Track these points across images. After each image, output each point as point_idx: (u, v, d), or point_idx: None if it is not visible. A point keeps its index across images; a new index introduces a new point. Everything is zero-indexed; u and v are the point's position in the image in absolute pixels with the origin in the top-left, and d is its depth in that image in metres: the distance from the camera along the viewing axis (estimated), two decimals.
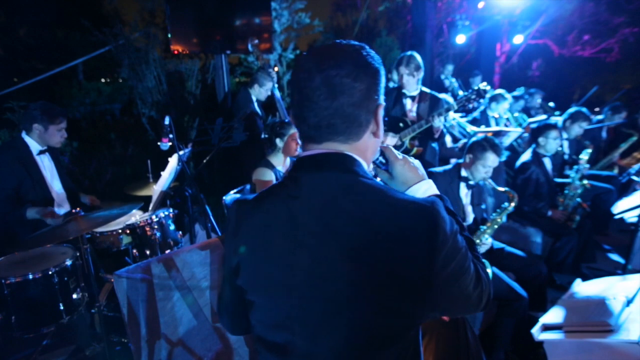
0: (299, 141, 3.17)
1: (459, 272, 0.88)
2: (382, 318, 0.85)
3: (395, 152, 1.14)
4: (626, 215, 3.55)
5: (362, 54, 0.91)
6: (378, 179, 1.12)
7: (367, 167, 0.98)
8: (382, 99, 0.95)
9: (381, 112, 0.96)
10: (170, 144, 2.58)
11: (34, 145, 2.76)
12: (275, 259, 0.92)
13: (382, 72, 0.94)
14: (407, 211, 0.84)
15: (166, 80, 6.14)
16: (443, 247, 0.84)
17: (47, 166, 2.84)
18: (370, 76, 0.90)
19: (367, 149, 0.97)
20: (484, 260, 2.29)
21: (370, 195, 0.87)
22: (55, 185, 2.89)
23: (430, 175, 2.74)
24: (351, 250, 0.84)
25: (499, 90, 4.93)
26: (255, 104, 4.25)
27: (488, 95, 4.87)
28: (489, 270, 2.32)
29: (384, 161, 1.13)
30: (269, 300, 0.96)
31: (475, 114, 4.96)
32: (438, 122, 3.07)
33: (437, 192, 1.10)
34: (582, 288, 2.16)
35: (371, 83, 0.90)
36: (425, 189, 1.09)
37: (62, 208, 2.90)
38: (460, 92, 5.98)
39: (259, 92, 4.23)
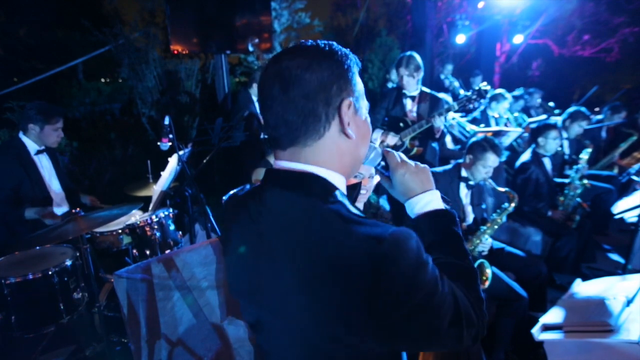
0: None
1: (418, 311, 0.79)
2: (327, 344, 0.84)
3: (399, 156, 1.05)
4: (626, 215, 3.56)
5: (320, 47, 0.88)
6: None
7: (344, 177, 0.93)
8: (351, 95, 0.88)
9: (349, 109, 0.87)
10: (170, 144, 2.58)
11: (32, 145, 2.75)
12: (244, 262, 0.93)
13: (352, 68, 0.89)
14: (355, 248, 0.78)
15: (166, 80, 6.14)
16: (391, 288, 0.76)
17: (45, 166, 2.84)
18: (327, 68, 0.85)
19: (339, 152, 0.90)
20: (483, 260, 2.30)
21: (326, 224, 0.82)
22: (54, 185, 2.89)
23: (431, 175, 2.74)
24: (302, 277, 0.82)
25: (499, 90, 4.94)
26: (256, 104, 4.25)
27: (488, 95, 4.88)
28: (488, 271, 2.32)
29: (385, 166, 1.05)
30: (241, 300, 1.00)
31: (476, 113, 4.97)
32: (439, 122, 3.07)
33: (440, 205, 1.02)
34: (582, 288, 2.16)
35: (330, 75, 0.85)
36: (425, 202, 1.01)
37: (61, 208, 2.90)
38: (462, 92, 5.98)
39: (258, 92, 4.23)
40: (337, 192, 0.89)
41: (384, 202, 3.97)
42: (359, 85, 0.91)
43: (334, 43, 0.91)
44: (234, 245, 0.96)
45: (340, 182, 0.92)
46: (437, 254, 0.96)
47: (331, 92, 0.86)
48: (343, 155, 0.91)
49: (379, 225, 0.82)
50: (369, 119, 0.96)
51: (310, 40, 0.92)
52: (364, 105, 0.94)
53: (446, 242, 1.00)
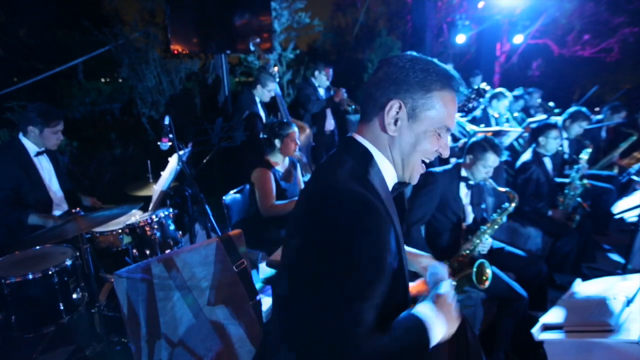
0: (298, 142, 3.18)
1: (312, 278, 0.89)
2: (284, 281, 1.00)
3: (446, 290, 1.15)
4: (626, 215, 3.55)
5: (402, 58, 1.07)
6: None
7: (391, 164, 1.10)
8: (402, 100, 1.04)
9: (392, 110, 1.04)
10: (170, 144, 2.58)
11: (31, 147, 2.75)
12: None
13: (412, 79, 1.03)
14: (329, 190, 0.96)
15: (166, 80, 6.14)
16: (316, 236, 0.91)
17: (45, 167, 2.84)
18: (400, 70, 1.04)
19: (383, 140, 1.08)
20: (483, 260, 2.30)
21: (322, 179, 1.03)
22: (54, 186, 2.89)
23: (430, 175, 2.75)
24: (294, 227, 1.02)
25: (500, 89, 4.96)
26: (259, 105, 4.24)
27: (488, 94, 4.90)
28: (488, 271, 2.31)
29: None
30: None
31: (477, 112, 4.97)
32: None
33: (432, 343, 1.01)
34: (582, 288, 2.16)
35: (392, 74, 1.05)
36: (433, 332, 1.02)
37: (61, 208, 2.90)
38: None
39: (262, 94, 4.20)
40: (372, 161, 1.06)
41: None
42: (431, 105, 1.05)
43: (419, 59, 1.07)
44: None
45: (384, 165, 1.09)
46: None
47: (388, 87, 1.05)
48: (386, 143, 1.09)
49: (364, 199, 0.93)
50: (431, 142, 1.08)
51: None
52: (430, 124, 1.06)
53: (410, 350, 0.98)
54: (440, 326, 1.04)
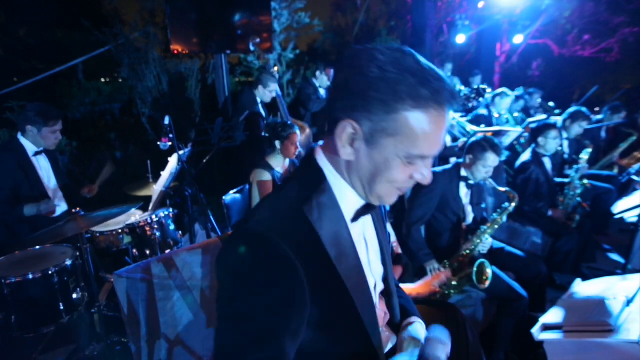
0: (299, 145, 3.17)
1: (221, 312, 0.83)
2: None
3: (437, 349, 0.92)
4: (626, 215, 3.55)
5: (372, 61, 0.83)
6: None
7: (349, 186, 0.94)
8: (357, 121, 0.84)
9: (344, 132, 0.86)
10: (170, 143, 2.58)
11: (30, 147, 2.75)
12: None
13: (373, 95, 0.81)
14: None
15: (166, 80, 6.14)
16: (224, 265, 0.86)
17: (43, 167, 2.84)
18: (354, 80, 0.84)
19: (340, 162, 0.92)
20: (483, 260, 2.30)
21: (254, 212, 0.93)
22: (52, 185, 2.89)
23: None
24: None
25: (503, 89, 5.03)
26: (260, 106, 4.24)
27: (491, 94, 4.96)
28: (488, 271, 2.31)
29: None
30: None
31: (483, 111, 5.01)
32: None
33: None
34: (582, 288, 2.16)
35: (350, 83, 0.84)
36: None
37: (60, 207, 2.90)
38: (462, 88, 6.00)
39: (263, 94, 4.20)
40: (323, 186, 0.92)
41: None
42: (394, 130, 0.83)
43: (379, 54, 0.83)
44: None
45: (342, 190, 0.94)
46: None
47: (342, 101, 0.86)
48: (349, 169, 0.92)
49: (264, 234, 0.83)
50: (400, 171, 0.88)
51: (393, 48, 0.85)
52: (393, 152, 0.85)
53: None
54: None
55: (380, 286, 1.11)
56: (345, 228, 0.94)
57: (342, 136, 0.86)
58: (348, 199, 0.94)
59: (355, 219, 0.97)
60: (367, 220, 1.04)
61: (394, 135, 0.83)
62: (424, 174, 0.90)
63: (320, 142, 0.99)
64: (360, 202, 0.97)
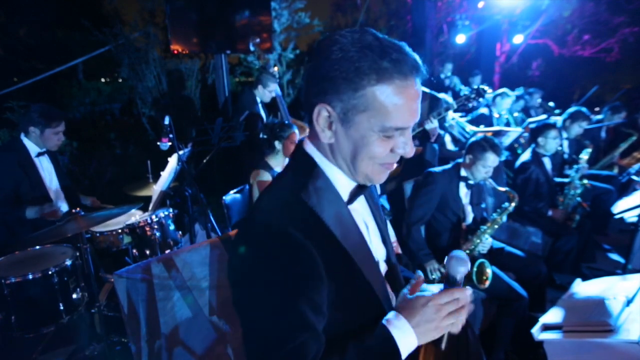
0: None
1: (243, 301, 0.88)
2: None
3: (428, 291, 1.01)
4: (626, 215, 3.55)
5: (334, 45, 0.86)
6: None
7: (338, 169, 0.96)
8: (329, 104, 0.87)
9: (320, 116, 0.89)
10: (170, 144, 2.58)
11: (32, 147, 2.75)
12: None
13: (338, 76, 0.84)
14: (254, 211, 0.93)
15: (166, 80, 6.14)
16: (237, 260, 0.90)
17: (45, 167, 2.84)
18: (320, 65, 0.87)
19: (324, 146, 0.95)
20: (483, 260, 2.30)
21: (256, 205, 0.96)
22: (54, 186, 2.89)
23: (430, 175, 2.75)
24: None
25: (504, 89, 5.06)
26: (259, 105, 4.24)
27: (491, 95, 4.98)
28: (488, 271, 2.31)
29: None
30: None
31: (484, 110, 5.02)
32: (430, 125, 3.07)
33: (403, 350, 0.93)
34: (582, 288, 2.16)
35: (318, 70, 0.87)
36: (406, 340, 0.92)
37: (61, 208, 2.90)
38: (462, 88, 6.01)
39: (263, 94, 4.20)
40: (315, 171, 0.95)
41: (384, 201, 3.97)
42: (365, 105, 0.85)
43: (370, 43, 0.84)
44: None
45: (333, 172, 0.97)
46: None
47: (313, 87, 0.89)
48: (326, 147, 0.95)
49: (278, 228, 0.85)
50: (379, 145, 0.89)
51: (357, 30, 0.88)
52: (367, 127, 0.87)
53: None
54: (405, 336, 0.92)
55: (384, 267, 1.12)
56: (344, 208, 0.97)
57: (319, 120, 0.90)
58: (340, 182, 0.97)
59: (350, 201, 0.99)
60: (362, 202, 1.07)
61: (365, 111, 0.85)
62: (405, 146, 0.91)
63: (302, 138, 1.03)
64: (352, 184, 0.99)
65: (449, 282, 0.98)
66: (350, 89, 0.84)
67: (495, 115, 5.01)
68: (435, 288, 1.07)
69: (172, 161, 2.79)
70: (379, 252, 1.10)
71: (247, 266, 0.86)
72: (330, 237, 0.89)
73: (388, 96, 0.84)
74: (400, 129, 0.88)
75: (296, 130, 3.02)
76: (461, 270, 0.96)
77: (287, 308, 0.82)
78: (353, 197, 1.00)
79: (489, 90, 5.11)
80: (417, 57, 0.87)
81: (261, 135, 3.04)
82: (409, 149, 0.91)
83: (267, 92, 4.19)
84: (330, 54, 0.84)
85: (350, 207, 1.00)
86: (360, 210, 1.06)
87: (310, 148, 0.97)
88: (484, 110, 5.04)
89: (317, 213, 0.88)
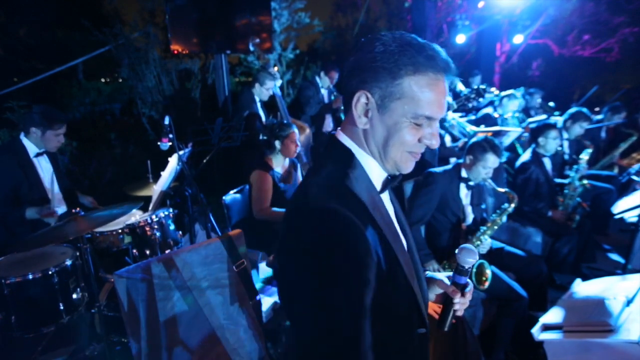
0: (298, 142, 3.17)
1: (300, 292, 0.88)
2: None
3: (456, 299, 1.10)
4: (626, 215, 3.55)
5: (375, 42, 0.95)
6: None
7: (373, 158, 1.02)
8: (369, 90, 0.95)
9: (359, 102, 0.97)
10: (170, 144, 2.58)
11: (32, 148, 2.76)
12: None
13: (379, 65, 0.93)
14: (304, 198, 0.94)
15: (166, 80, 6.14)
16: (285, 246, 0.91)
17: (44, 168, 2.84)
18: (363, 57, 0.95)
19: (359, 135, 1.01)
20: (483, 260, 2.30)
21: (300, 195, 0.97)
22: (52, 186, 2.89)
23: (430, 175, 2.75)
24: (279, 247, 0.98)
25: (511, 91, 5.06)
26: (258, 105, 4.23)
27: (499, 95, 4.99)
28: (488, 271, 2.31)
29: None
30: None
31: (489, 110, 5.02)
32: None
33: None
34: (582, 288, 2.16)
35: (360, 61, 0.96)
36: None
37: (60, 209, 2.90)
38: (462, 87, 6.00)
39: (260, 92, 4.20)
40: (353, 161, 1.00)
41: None
42: (400, 93, 0.94)
43: (413, 43, 0.94)
44: None
45: (368, 162, 1.02)
46: None
47: (356, 77, 0.96)
48: (361, 134, 1.01)
49: (336, 210, 0.87)
50: (409, 133, 0.97)
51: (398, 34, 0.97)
52: (401, 114, 0.95)
53: None
54: None
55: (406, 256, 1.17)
56: (378, 196, 1.04)
57: (357, 107, 0.97)
58: (374, 171, 1.03)
59: (383, 189, 1.06)
60: (385, 193, 1.12)
61: (401, 98, 0.94)
62: (432, 137, 0.99)
63: (333, 132, 1.09)
64: (383, 174, 1.06)
65: (458, 271, 1.09)
66: (389, 77, 0.93)
67: (495, 115, 5.00)
68: (443, 275, 1.17)
69: (172, 161, 2.79)
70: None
71: (308, 252, 0.87)
72: (374, 223, 0.95)
73: (422, 87, 0.93)
74: (429, 119, 0.96)
75: (296, 130, 3.02)
76: (469, 260, 1.07)
77: (352, 293, 0.86)
78: (385, 185, 1.07)
79: (495, 91, 5.12)
80: (449, 58, 0.96)
81: (261, 137, 3.04)
82: (435, 141, 0.99)
83: (265, 90, 4.18)
84: (373, 48, 0.94)
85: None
86: (386, 200, 1.11)
87: (344, 138, 1.03)
88: (489, 111, 5.04)
89: (362, 200, 0.94)
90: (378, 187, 1.05)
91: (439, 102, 0.95)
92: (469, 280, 1.10)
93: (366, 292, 0.87)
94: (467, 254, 1.07)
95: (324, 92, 5.01)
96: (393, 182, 1.08)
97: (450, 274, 1.14)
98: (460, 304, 1.10)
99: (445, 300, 1.12)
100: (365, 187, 0.98)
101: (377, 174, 1.04)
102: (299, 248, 0.89)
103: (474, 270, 2.24)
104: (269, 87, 4.19)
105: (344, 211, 0.88)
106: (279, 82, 4.37)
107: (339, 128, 1.07)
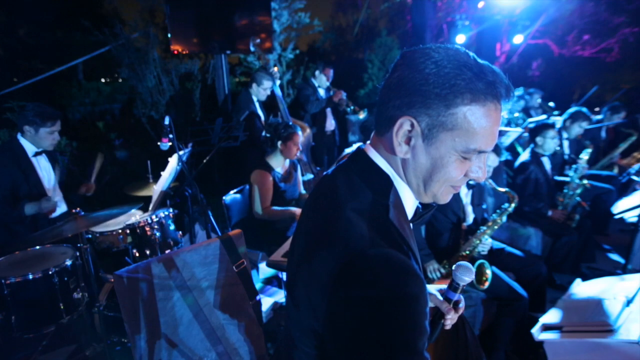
0: (300, 146, 3.17)
1: (346, 343, 0.76)
2: (305, 318, 0.88)
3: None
4: (626, 215, 3.55)
5: (427, 58, 0.84)
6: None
7: (407, 185, 0.92)
8: (415, 117, 0.83)
9: (402, 129, 0.84)
10: (170, 144, 2.58)
11: (29, 147, 2.75)
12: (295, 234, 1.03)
13: (431, 90, 0.81)
14: (344, 239, 0.80)
15: (166, 80, 6.14)
16: (339, 293, 0.77)
17: (43, 167, 2.84)
18: (411, 76, 0.83)
19: (397, 161, 0.90)
20: (483, 260, 2.30)
21: (334, 203, 0.87)
22: (52, 186, 2.89)
23: None
24: (305, 248, 0.89)
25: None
26: (257, 104, 4.23)
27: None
28: (488, 271, 2.32)
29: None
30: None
31: None
32: None
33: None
34: (582, 288, 2.16)
35: (408, 81, 0.83)
36: None
37: (60, 208, 2.90)
38: None
39: (257, 92, 4.19)
40: (392, 190, 0.90)
41: None
42: (453, 124, 0.82)
43: (470, 65, 0.81)
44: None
45: (404, 190, 0.92)
46: None
47: (400, 99, 0.84)
48: (399, 163, 0.91)
49: (389, 253, 0.77)
50: (456, 168, 0.86)
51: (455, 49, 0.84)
52: (450, 147, 0.83)
53: None
54: None
55: None
56: (409, 225, 0.94)
57: (399, 133, 0.85)
58: (407, 200, 0.94)
59: (414, 219, 0.97)
60: None
61: (452, 130, 0.82)
62: (479, 170, 0.88)
63: (361, 145, 0.98)
64: (415, 202, 0.97)
65: (452, 287, 1.08)
66: (442, 105, 0.81)
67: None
68: (433, 288, 1.14)
69: (173, 161, 2.79)
70: None
71: (369, 301, 0.75)
72: (415, 257, 0.87)
73: (478, 118, 0.81)
74: (481, 152, 0.86)
75: (300, 133, 3.02)
76: (465, 279, 1.06)
77: (415, 347, 0.77)
78: (418, 215, 0.98)
79: None
80: (510, 83, 0.84)
81: (263, 134, 3.04)
82: (481, 174, 0.89)
83: (262, 90, 4.17)
84: (423, 68, 0.81)
85: None
86: None
87: (380, 161, 0.92)
88: None
89: (403, 235, 0.86)
90: (410, 215, 0.96)
91: (493, 133, 0.84)
92: (461, 296, 1.09)
93: (424, 340, 0.79)
94: (464, 272, 1.04)
95: (321, 91, 4.99)
96: (426, 214, 0.99)
97: (442, 287, 1.12)
98: (451, 320, 1.09)
99: (435, 315, 1.10)
100: (402, 219, 0.90)
101: (410, 203, 0.95)
102: (356, 296, 0.76)
103: (474, 270, 2.24)
104: (266, 87, 4.18)
105: (399, 255, 0.78)
106: (278, 82, 4.36)
107: (369, 142, 0.95)
